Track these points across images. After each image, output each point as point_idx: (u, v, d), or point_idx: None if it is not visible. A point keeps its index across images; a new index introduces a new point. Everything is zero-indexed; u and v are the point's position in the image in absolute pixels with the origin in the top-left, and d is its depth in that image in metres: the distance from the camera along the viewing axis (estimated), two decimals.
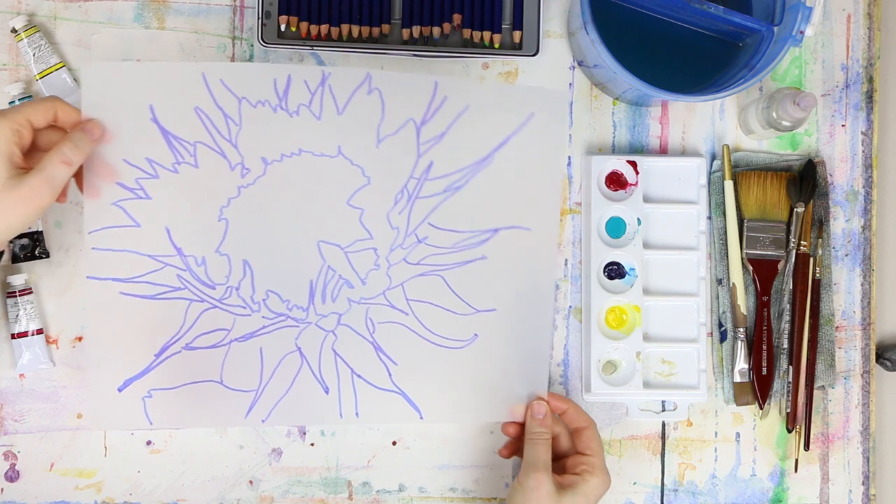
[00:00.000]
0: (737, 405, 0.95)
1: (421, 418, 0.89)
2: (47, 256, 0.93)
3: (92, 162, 0.83)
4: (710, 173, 0.97)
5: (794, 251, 0.95)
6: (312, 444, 0.94)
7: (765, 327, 0.95)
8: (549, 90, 0.90)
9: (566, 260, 0.96)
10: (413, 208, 0.88)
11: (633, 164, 0.95)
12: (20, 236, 0.92)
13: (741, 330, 0.95)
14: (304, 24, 0.92)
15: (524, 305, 0.89)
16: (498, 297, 0.89)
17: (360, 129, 0.86)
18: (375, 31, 0.93)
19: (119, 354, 0.86)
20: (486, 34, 0.94)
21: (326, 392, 0.88)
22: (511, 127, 0.88)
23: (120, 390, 0.86)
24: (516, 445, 0.90)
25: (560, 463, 0.88)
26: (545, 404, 0.88)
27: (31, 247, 0.92)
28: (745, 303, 0.95)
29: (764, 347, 0.94)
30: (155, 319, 0.86)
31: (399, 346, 0.88)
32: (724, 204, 0.95)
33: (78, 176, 0.83)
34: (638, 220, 0.95)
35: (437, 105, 0.87)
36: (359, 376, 0.88)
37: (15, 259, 0.92)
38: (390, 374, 0.88)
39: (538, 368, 0.89)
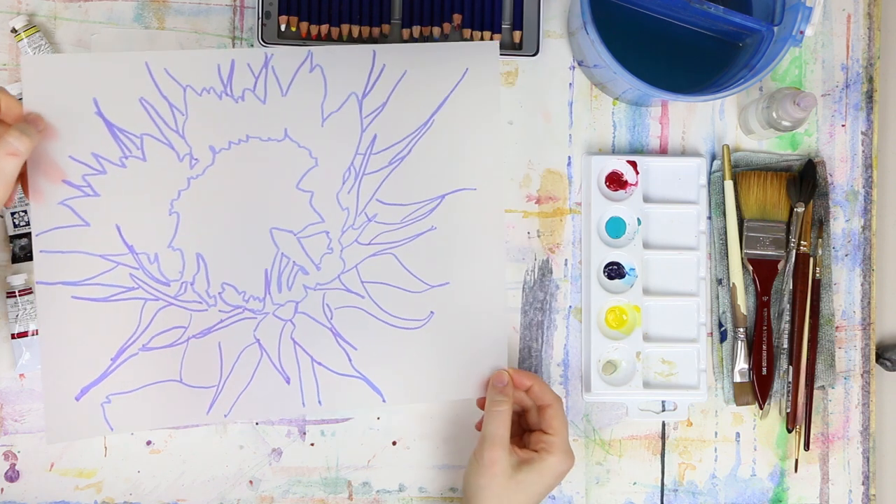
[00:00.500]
0: (737, 405, 0.95)
1: (384, 401, 0.88)
2: None
3: (37, 161, 0.82)
4: (710, 173, 0.97)
5: (794, 251, 0.95)
6: (312, 444, 0.94)
7: (765, 327, 0.95)
8: (482, 42, 0.90)
9: (566, 260, 0.96)
10: (361, 186, 0.87)
11: (633, 164, 0.95)
12: (20, 236, 0.92)
13: (741, 330, 0.95)
14: (304, 24, 0.92)
15: (477, 275, 0.89)
16: (450, 269, 0.89)
17: (304, 110, 0.86)
18: (375, 31, 0.93)
19: (74, 362, 0.84)
20: (486, 34, 0.94)
21: (287, 382, 0.87)
22: (448, 86, 0.88)
23: (77, 399, 0.85)
24: None
25: (527, 437, 0.88)
26: (506, 374, 0.88)
27: (31, 247, 0.92)
28: (745, 303, 0.95)
29: (764, 347, 0.94)
30: (109, 322, 0.85)
31: (357, 330, 0.88)
32: (724, 204, 0.95)
33: (23, 177, 0.81)
34: (638, 220, 0.95)
35: (377, 75, 0.87)
36: (319, 364, 0.88)
37: (15, 259, 0.92)
38: (350, 360, 0.88)
39: (497, 341, 0.89)
